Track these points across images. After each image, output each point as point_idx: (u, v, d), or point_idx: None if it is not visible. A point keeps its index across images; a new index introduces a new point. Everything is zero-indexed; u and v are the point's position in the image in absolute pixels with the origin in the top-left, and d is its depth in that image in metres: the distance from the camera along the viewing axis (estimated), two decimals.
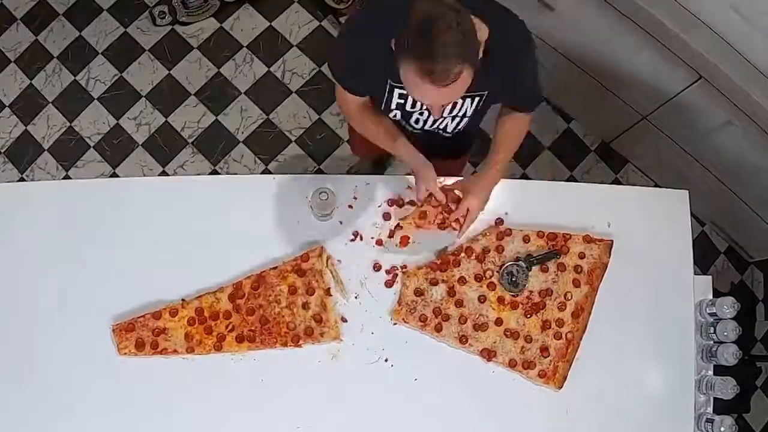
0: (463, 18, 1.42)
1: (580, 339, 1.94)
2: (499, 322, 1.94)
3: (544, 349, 1.93)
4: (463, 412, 1.90)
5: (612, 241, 1.99)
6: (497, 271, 1.96)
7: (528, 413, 1.92)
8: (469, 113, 1.80)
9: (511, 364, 1.92)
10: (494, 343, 1.93)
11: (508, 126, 1.86)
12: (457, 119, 1.84)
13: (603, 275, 1.98)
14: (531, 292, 1.96)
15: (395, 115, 1.85)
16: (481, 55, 1.49)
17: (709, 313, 1.99)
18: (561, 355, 1.93)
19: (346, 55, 1.71)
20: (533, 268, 1.96)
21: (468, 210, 1.86)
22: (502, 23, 1.60)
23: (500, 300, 1.95)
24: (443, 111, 1.76)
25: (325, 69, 3.13)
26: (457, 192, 1.89)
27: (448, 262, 1.96)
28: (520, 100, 1.84)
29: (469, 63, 1.44)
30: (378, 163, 2.96)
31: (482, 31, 1.52)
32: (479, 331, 1.93)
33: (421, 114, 1.84)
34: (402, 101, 1.78)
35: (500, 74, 1.62)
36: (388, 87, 1.74)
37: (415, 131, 1.94)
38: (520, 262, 1.95)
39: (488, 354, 1.92)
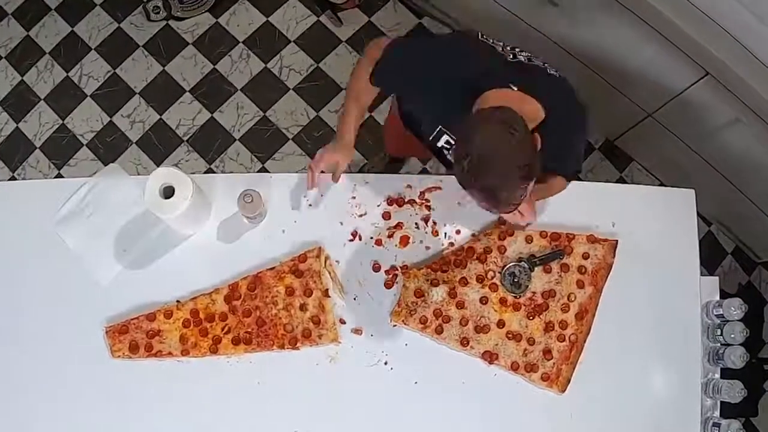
0: (522, 142, 1.43)
1: (584, 341, 1.94)
2: (501, 324, 1.94)
3: (547, 352, 1.93)
4: (465, 416, 1.90)
5: (617, 241, 1.99)
6: (499, 272, 1.96)
7: (531, 417, 1.92)
8: None
9: (514, 367, 1.92)
10: (496, 345, 1.93)
11: (543, 180, 1.85)
12: None
13: (607, 276, 1.98)
14: (534, 293, 1.96)
15: (432, 147, 1.89)
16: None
17: (716, 315, 1.99)
18: (564, 358, 1.93)
19: (406, 65, 1.72)
20: (536, 269, 1.96)
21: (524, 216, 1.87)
22: (560, 106, 1.62)
23: (502, 301, 1.95)
24: None
25: (323, 65, 3.13)
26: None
27: (449, 262, 1.96)
28: (558, 169, 1.83)
29: (531, 180, 1.48)
30: (397, 161, 2.97)
31: (539, 114, 1.55)
32: (481, 333, 1.93)
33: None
34: (448, 147, 1.82)
35: (549, 150, 1.62)
36: (437, 130, 1.79)
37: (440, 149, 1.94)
38: (523, 262, 1.95)
39: (490, 357, 1.92)
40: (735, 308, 1.94)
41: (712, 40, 2.14)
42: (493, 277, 1.96)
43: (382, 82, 1.79)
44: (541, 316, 1.95)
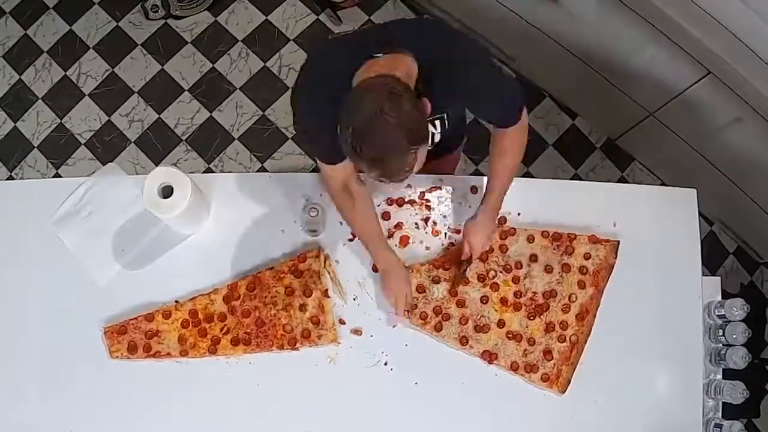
0: (403, 105, 1.38)
1: (585, 342, 1.94)
2: (501, 323, 1.94)
3: (548, 352, 1.93)
4: (465, 417, 1.90)
5: (618, 241, 1.99)
6: (500, 272, 1.96)
7: (532, 418, 1.92)
8: (440, 133, 1.74)
9: (513, 367, 1.92)
10: (496, 345, 1.93)
11: (497, 154, 1.81)
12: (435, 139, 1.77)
13: (609, 277, 1.98)
14: (535, 293, 1.96)
15: None
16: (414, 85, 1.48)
17: (717, 315, 1.99)
18: (565, 359, 1.92)
19: (305, 129, 1.69)
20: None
21: (471, 249, 1.87)
22: (430, 45, 1.56)
23: (503, 301, 1.95)
24: None
25: None
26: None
27: (451, 259, 1.96)
28: (491, 115, 1.77)
29: (421, 144, 1.43)
30: None
31: (412, 65, 1.51)
32: (480, 333, 1.93)
33: None
34: None
35: (449, 91, 1.58)
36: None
37: None
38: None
39: (489, 356, 1.92)
40: (737, 309, 1.94)
41: (714, 38, 2.14)
42: (494, 277, 1.96)
43: (330, 152, 1.70)
44: (541, 317, 1.95)
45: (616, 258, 1.99)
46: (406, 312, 1.88)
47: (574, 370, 1.92)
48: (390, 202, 2.01)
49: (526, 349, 1.93)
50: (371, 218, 1.88)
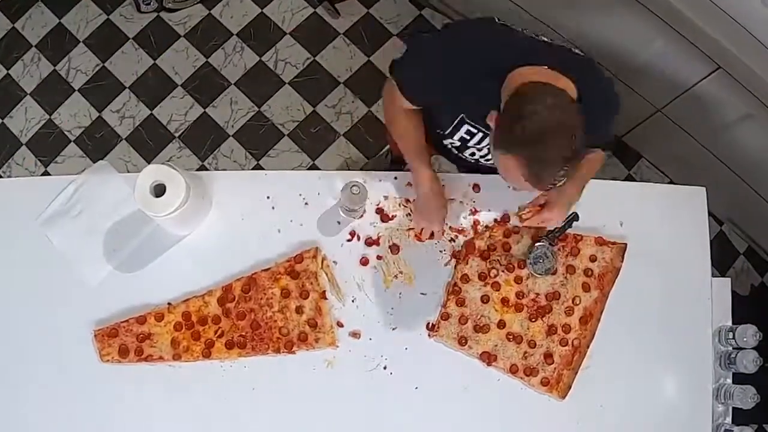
0: (579, 119, 1.44)
1: (587, 347, 1.94)
2: (501, 324, 1.94)
3: (548, 356, 1.93)
4: (466, 422, 1.90)
5: (626, 244, 1.99)
6: (502, 271, 1.96)
7: (536, 424, 1.92)
8: None
9: (512, 370, 1.92)
10: (495, 346, 1.93)
11: (586, 161, 1.83)
12: None
13: (615, 280, 1.98)
14: (537, 294, 1.96)
15: (452, 143, 1.86)
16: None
17: (726, 340, 1.99)
18: (566, 363, 1.92)
19: (427, 68, 1.71)
20: (557, 241, 1.96)
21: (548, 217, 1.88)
22: (592, 82, 1.62)
23: (504, 301, 1.95)
24: None
25: (320, 59, 3.13)
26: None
27: (452, 256, 1.97)
28: (597, 145, 1.84)
29: (577, 161, 1.48)
30: (400, 161, 2.96)
31: (573, 93, 1.54)
32: (480, 333, 1.93)
33: (479, 149, 1.85)
34: (468, 137, 1.80)
35: (587, 127, 1.64)
36: (458, 119, 1.75)
37: (466, 158, 1.94)
38: (542, 242, 1.94)
39: (488, 358, 1.92)
40: (748, 337, 1.96)
41: (724, 32, 2.14)
42: (496, 276, 1.96)
43: (416, 93, 1.77)
44: (543, 319, 1.95)
45: (622, 261, 1.98)
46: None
47: (576, 375, 1.92)
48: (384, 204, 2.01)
49: (527, 352, 1.93)
50: (422, 137, 1.88)
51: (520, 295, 1.96)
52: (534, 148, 1.43)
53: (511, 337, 1.94)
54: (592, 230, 2.00)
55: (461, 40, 1.68)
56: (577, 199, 1.88)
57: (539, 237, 1.96)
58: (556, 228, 1.94)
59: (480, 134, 1.78)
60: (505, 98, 1.53)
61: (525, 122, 1.42)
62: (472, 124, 1.75)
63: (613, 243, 1.99)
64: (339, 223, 1.97)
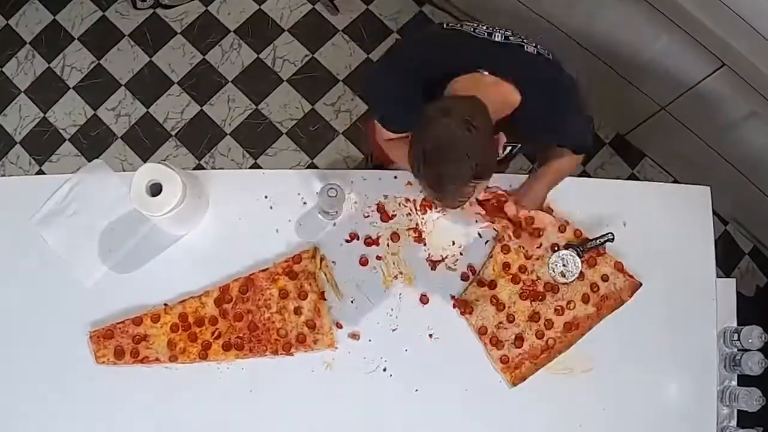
0: (476, 140, 1.45)
1: (560, 353, 1.95)
2: (492, 284, 1.96)
3: (520, 339, 1.94)
4: (468, 426, 1.90)
5: (640, 283, 1.98)
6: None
7: (538, 427, 1.92)
8: (501, 157, 1.78)
9: (481, 331, 1.94)
10: (476, 301, 1.94)
11: (552, 162, 1.89)
12: None
13: (614, 310, 1.98)
14: (538, 278, 1.97)
15: None
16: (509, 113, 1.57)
17: (732, 342, 1.99)
18: (533, 355, 1.93)
19: (384, 98, 1.75)
20: (585, 254, 1.97)
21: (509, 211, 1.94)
22: (538, 84, 1.64)
23: (505, 266, 1.96)
24: None
25: (318, 56, 3.13)
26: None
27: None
28: (560, 143, 1.86)
29: (483, 179, 1.51)
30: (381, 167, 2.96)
31: (513, 96, 1.59)
32: (465, 281, 1.97)
33: None
34: None
35: (534, 130, 1.68)
36: None
37: None
38: (571, 249, 1.95)
39: (464, 307, 1.94)
40: (753, 338, 1.96)
41: (729, 29, 2.14)
42: (509, 240, 1.96)
43: (390, 122, 1.80)
44: (533, 303, 1.96)
45: (630, 298, 1.98)
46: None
47: (536, 371, 1.93)
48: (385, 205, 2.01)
49: (502, 323, 1.94)
50: None
51: (522, 268, 1.97)
52: (428, 169, 1.47)
53: (494, 300, 1.95)
54: (595, 230, 2.00)
55: (409, 48, 1.73)
56: (541, 202, 1.94)
57: (569, 244, 1.98)
58: (589, 240, 1.97)
59: None
60: None
61: (421, 144, 1.47)
62: None
63: (630, 276, 1.99)
64: (335, 224, 1.97)
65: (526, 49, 1.68)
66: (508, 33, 1.71)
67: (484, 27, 1.71)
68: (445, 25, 1.75)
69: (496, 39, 1.68)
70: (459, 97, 1.53)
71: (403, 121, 1.74)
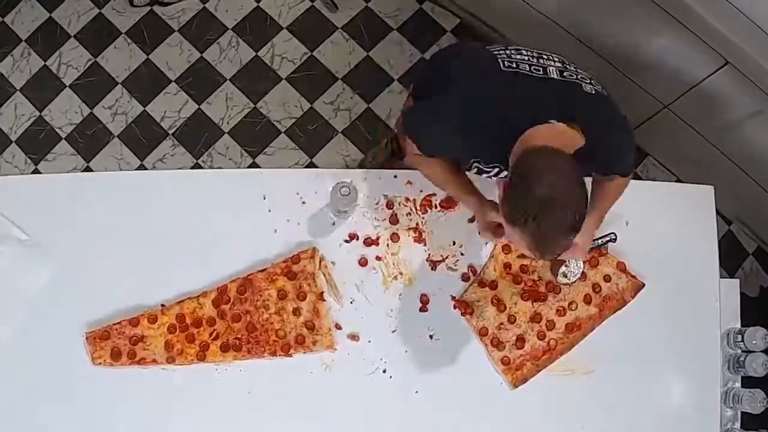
0: (580, 194, 1.50)
1: (561, 354, 1.95)
2: (493, 285, 1.96)
3: (521, 340, 1.94)
4: (468, 427, 1.90)
5: (643, 284, 1.99)
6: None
7: (540, 428, 1.92)
8: None
9: (482, 332, 1.94)
10: (477, 302, 1.94)
11: (607, 187, 1.88)
12: None
13: (615, 311, 1.98)
14: (540, 278, 1.97)
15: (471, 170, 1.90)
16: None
17: (735, 343, 1.99)
18: (534, 357, 1.94)
19: (444, 128, 1.73)
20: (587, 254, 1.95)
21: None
22: (602, 122, 1.67)
23: (506, 266, 1.96)
24: None
25: (317, 54, 3.12)
26: None
27: None
28: (615, 173, 1.86)
29: (578, 232, 1.53)
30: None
31: (580, 140, 1.61)
32: (465, 282, 1.96)
33: (498, 175, 1.87)
34: (484, 172, 1.83)
35: (594, 168, 1.73)
36: (472, 164, 1.80)
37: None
38: None
39: (464, 307, 1.94)
40: (757, 340, 1.95)
41: (733, 26, 2.14)
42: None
43: (431, 149, 1.79)
44: (534, 304, 1.96)
45: (632, 298, 1.98)
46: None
47: (537, 372, 1.93)
48: (390, 204, 2.00)
49: (503, 324, 1.95)
50: (457, 172, 1.89)
51: (524, 269, 1.97)
52: (536, 224, 1.48)
53: (495, 301, 1.95)
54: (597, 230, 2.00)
55: (475, 99, 1.68)
56: (597, 228, 1.91)
57: None
58: (591, 240, 1.95)
59: (496, 170, 1.80)
60: (514, 158, 1.57)
61: (528, 200, 1.48)
62: (487, 165, 1.79)
63: (633, 276, 1.99)
64: (333, 224, 1.97)
65: (584, 88, 1.71)
66: (559, 64, 1.73)
67: (534, 56, 1.73)
68: (502, 66, 1.70)
69: (553, 75, 1.70)
70: (551, 149, 1.52)
71: (448, 148, 1.76)
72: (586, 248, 1.90)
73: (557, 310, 1.96)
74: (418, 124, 1.79)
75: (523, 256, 1.98)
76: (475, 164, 1.80)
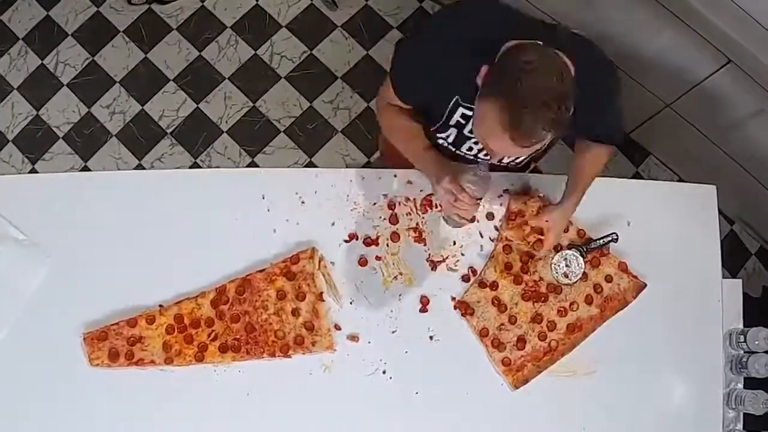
0: (571, 87, 1.43)
1: (562, 355, 1.95)
2: (494, 285, 1.96)
3: (522, 341, 1.94)
4: (469, 429, 1.90)
5: (645, 284, 1.98)
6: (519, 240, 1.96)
7: (540, 430, 1.92)
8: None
9: (482, 333, 1.94)
10: (477, 302, 1.94)
11: (587, 160, 1.87)
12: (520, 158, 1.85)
13: (617, 311, 1.98)
14: (541, 279, 1.97)
15: (448, 137, 1.83)
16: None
17: (738, 343, 1.99)
18: (535, 357, 1.93)
19: (416, 56, 1.70)
20: (588, 255, 1.97)
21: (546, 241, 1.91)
22: (588, 60, 1.62)
23: (507, 266, 1.96)
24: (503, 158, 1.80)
25: (317, 52, 3.13)
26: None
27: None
28: (598, 134, 1.85)
29: (557, 132, 1.45)
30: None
31: (570, 69, 1.53)
32: (466, 282, 1.96)
33: (476, 143, 1.82)
34: (464, 122, 1.77)
35: (579, 113, 1.60)
36: (452, 103, 1.73)
37: (464, 155, 1.90)
38: (574, 250, 1.96)
39: (465, 308, 1.94)
40: (760, 340, 1.95)
41: (735, 24, 2.14)
42: (511, 239, 1.96)
43: (406, 88, 1.75)
44: (535, 304, 1.96)
45: (634, 299, 1.98)
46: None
47: (538, 373, 1.93)
48: (390, 205, 2.00)
49: (503, 324, 1.94)
50: (421, 132, 1.86)
51: (524, 269, 1.97)
52: (515, 84, 1.40)
53: (496, 301, 1.95)
54: (598, 230, 2.00)
55: (461, 16, 1.67)
56: (573, 210, 1.89)
57: (572, 244, 1.98)
58: (592, 240, 1.97)
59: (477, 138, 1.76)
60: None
61: (520, 72, 1.40)
62: (467, 105, 1.71)
63: (634, 276, 1.99)
64: (333, 224, 1.97)
65: (572, 30, 1.68)
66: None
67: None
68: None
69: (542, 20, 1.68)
70: (543, 45, 1.48)
71: (425, 84, 1.69)
72: (560, 229, 1.90)
73: (558, 311, 1.96)
74: (403, 55, 1.75)
75: (523, 255, 1.98)
76: (457, 105, 1.72)
